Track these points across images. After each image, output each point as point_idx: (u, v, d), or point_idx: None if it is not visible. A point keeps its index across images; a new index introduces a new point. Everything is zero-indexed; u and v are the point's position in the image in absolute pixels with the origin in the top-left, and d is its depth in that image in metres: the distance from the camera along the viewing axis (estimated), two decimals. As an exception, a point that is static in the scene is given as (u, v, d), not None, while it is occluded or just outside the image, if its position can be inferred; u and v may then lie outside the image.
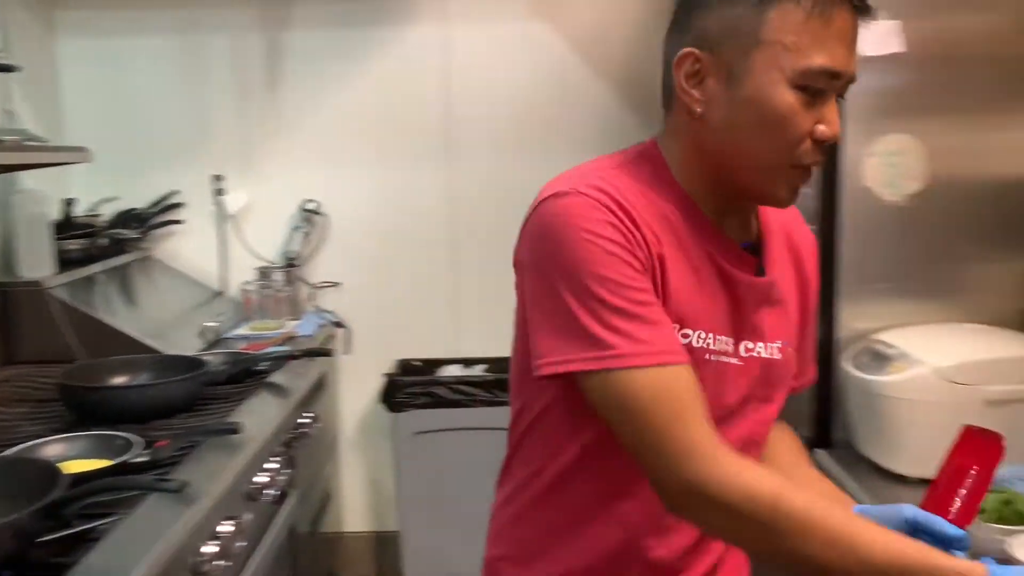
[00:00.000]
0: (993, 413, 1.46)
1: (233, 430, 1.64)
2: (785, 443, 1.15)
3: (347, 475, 3.14)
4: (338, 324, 2.94)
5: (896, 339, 1.54)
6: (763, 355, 1.01)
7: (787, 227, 1.08)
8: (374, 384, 2.88)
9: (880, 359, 1.53)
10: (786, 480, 0.90)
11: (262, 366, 2.16)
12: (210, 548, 1.35)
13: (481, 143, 2.97)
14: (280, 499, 2.00)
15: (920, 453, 1.49)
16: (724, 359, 0.98)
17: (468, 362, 2.95)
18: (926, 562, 0.83)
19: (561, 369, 0.89)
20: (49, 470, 1.23)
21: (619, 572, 1.02)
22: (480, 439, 2.77)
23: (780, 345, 1.03)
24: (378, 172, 2.99)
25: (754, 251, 1.02)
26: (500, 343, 3.07)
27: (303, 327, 2.74)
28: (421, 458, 2.79)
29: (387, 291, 3.03)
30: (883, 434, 1.52)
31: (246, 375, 2.11)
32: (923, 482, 1.49)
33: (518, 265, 0.98)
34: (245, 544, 1.54)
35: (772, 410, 1.06)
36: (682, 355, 0.90)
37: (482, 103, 2.95)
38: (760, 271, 1.02)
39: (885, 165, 1.67)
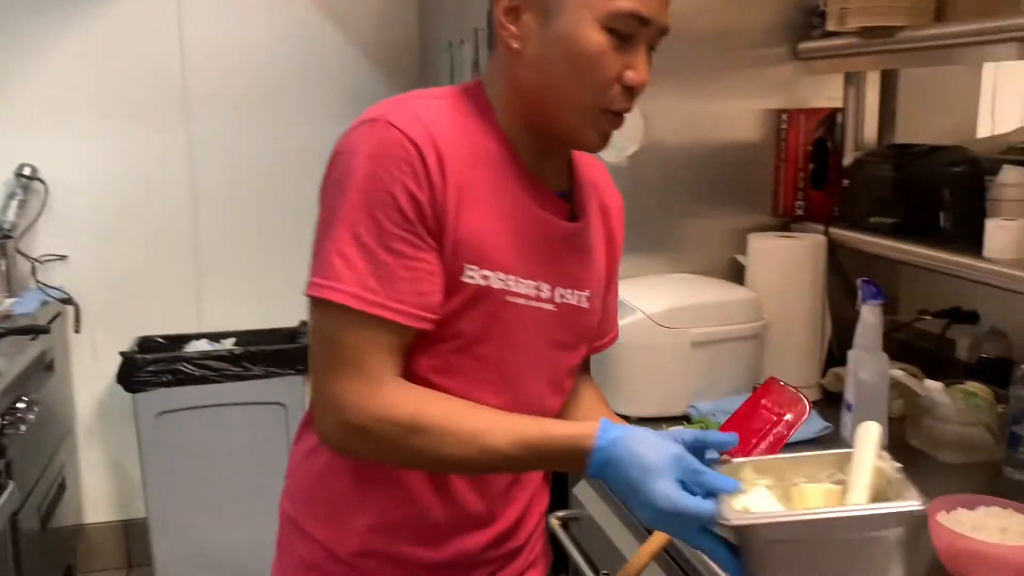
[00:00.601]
0: (698, 353, 1.60)
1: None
2: (596, 394, 1.18)
3: (86, 462, 2.91)
4: (66, 301, 2.71)
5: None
6: (572, 302, 1.03)
7: (597, 182, 1.10)
8: (112, 364, 2.67)
9: (602, 309, 1.63)
10: (426, 393, 0.93)
11: (-36, 347, 1.94)
12: None
13: (221, 104, 2.82)
14: (-8, 492, 1.82)
15: (638, 393, 1.60)
16: (535, 304, 0.98)
17: (215, 336, 2.82)
18: (544, 436, 0.90)
19: (310, 292, 0.91)
20: None
21: (434, 521, 1.01)
22: (231, 415, 2.67)
23: (588, 295, 1.05)
24: (106, 134, 2.76)
25: (568, 199, 1.04)
26: (248, 315, 2.97)
27: (22, 305, 2.49)
28: (167, 439, 2.64)
29: (122, 264, 2.82)
30: (605, 378, 1.61)
31: (-55, 358, 1.89)
32: (643, 420, 1.62)
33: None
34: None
35: (576, 358, 1.08)
36: (404, 314, 0.90)
37: (220, 61, 2.80)
38: (573, 218, 1.03)
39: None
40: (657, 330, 1.55)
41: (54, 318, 2.60)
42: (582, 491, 1.63)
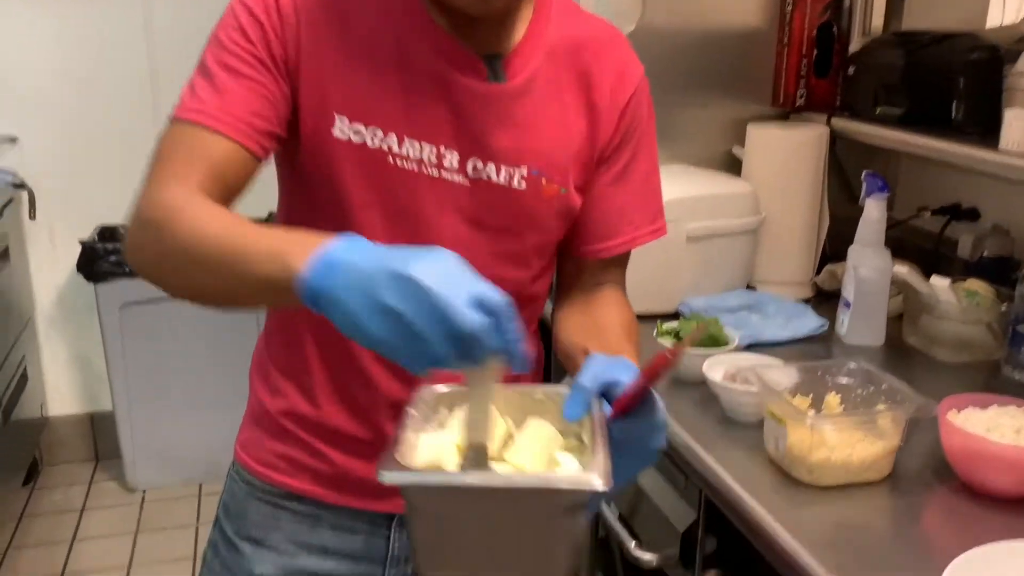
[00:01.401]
0: (692, 248, 1.53)
1: None
2: (614, 311, 1.01)
3: (48, 354, 2.83)
4: (19, 185, 2.56)
5: (609, 180, 1.56)
6: (497, 180, 0.91)
7: (581, 48, 0.94)
8: (72, 253, 2.56)
9: (594, 200, 1.55)
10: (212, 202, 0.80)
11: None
12: None
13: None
14: (-51, 383, 1.74)
15: (629, 290, 1.54)
16: (435, 172, 0.89)
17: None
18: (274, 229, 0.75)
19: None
20: None
21: (354, 398, 0.97)
22: (199, 307, 2.57)
23: (526, 172, 0.91)
24: (58, 7, 2.56)
25: (495, 60, 0.90)
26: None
27: (-29, 188, 2.35)
28: (133, 331, 2.55)
29: (79, 147, 2.66)
30: (596, 274, 1.56)
31: None
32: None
33: None
34: None
35: (520, 245, 0.95)
36: (229, 125, 0.83)
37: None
38: (497, 80, 0.90)
39: (599, 4, 1.64)
40: (652, 223, 1.47)
41: (7, 204, 2.46)
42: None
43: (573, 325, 0.99)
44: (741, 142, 1.73)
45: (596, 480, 0.64)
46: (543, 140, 0.92)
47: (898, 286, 1.48)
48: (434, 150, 0.89)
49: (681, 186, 1.58)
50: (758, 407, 1.14)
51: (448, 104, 0.88)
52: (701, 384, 1.22)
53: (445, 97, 0.88)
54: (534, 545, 0.68)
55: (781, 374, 1.12)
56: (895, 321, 1.51)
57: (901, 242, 1.74)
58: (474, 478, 0.68)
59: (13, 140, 2.59)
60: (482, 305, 0.62)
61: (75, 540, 2.53)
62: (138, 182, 0.84)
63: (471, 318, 0.60)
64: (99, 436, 2.89)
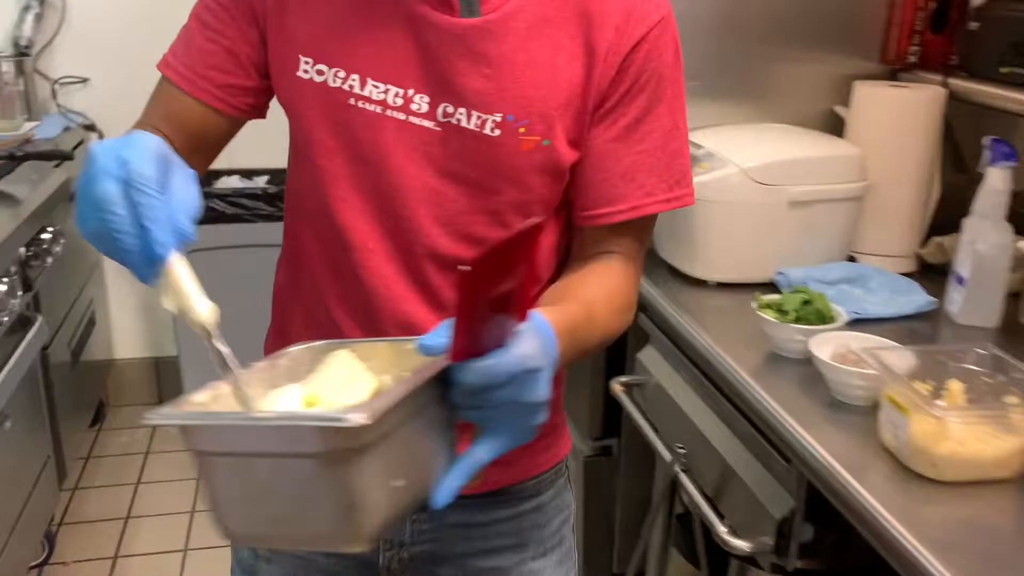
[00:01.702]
0: (793, 214, 1.43)
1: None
2: (599, 279, 0.87)
3: (115, 299, 2.84)
4: (89, 127, 2.54)
5: (704, 139, 1.46)
6: (465, 125, 0.82)
7: None
8: (139, 197, 2.54)
9: (687, 159, 1.45)
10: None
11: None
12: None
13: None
14: (21, 325, 1.73)
15: (720, 256, 1.45)
16: (400, 115, 0.82)
17: (247, 173, 2.67)
18: None
19: None
20: None
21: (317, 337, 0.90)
22: (262, 256, 2.54)
23: (500, 119, 0.82)
24: (128, -56, 2.52)
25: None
26: (283, 152, 2.81)
27: (44, 129, 2.33)
28: (199, 278, 2.53)
29: (147, 90, 2.62)
30: (685, 238, 1.47)
31: (-36, 182, 1.76)
32: (722, 286, 1.48)
33: None
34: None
35: (496, 202, 0.85)
36: (186, 79, 0.87)
37: None
38: (471, 15, 0.81)
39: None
40: (751, 186, 1.38)
41: (77, 145, 2.44)
42: (647, 356, 1.51)
43: (547, 294, 0.86)
44: (843, 100, 1.61)
45: (353, 416, 0.55)
46: (523, 84, 0.82)
47: (1017, 263, 1.37)
48: (401, 92, 0.82)
49: (784, 147, 1.48)
50: (871, 391, 1.05)
51: (416, 43, 0.82)
52: (805, 362, 1.14)
53: (414, 35, 0.82)
54: (324, 498, 0.59)
55: (896, 357, 1.03)
56: (1009, 300, 1.40)
57: (1015, 215, 1.62)
58: (217, 417, 0.63)
59: (84, 81, 2.57)
60: (123, 173, 0.62)
61: (140, 483, 2.56)
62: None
63: (97, 173, 0.62)
64: (163, 381, 2.91)
